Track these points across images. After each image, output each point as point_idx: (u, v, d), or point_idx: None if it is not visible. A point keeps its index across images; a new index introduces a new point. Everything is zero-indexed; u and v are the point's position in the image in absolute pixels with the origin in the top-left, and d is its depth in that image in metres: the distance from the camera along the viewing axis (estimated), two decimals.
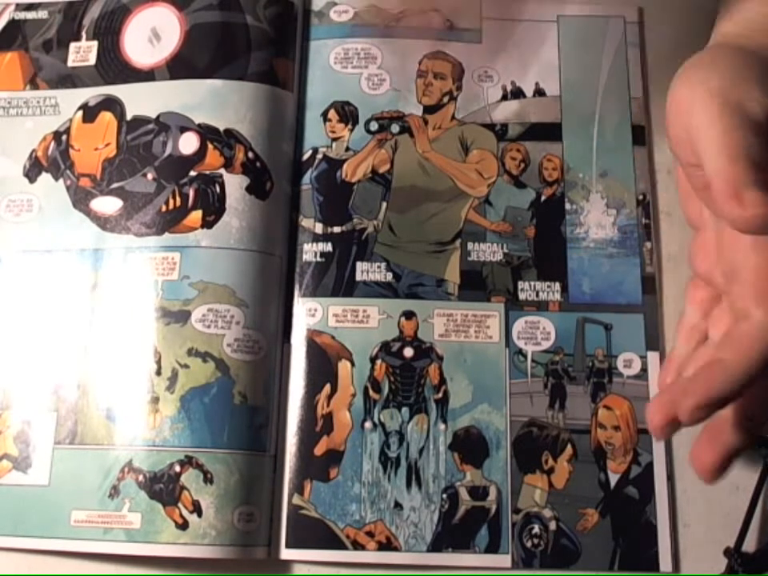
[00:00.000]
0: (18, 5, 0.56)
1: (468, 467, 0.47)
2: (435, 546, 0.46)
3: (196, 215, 0.50)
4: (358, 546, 0.46)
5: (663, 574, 0.45)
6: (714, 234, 0.43)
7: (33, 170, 0.52)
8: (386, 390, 0.48)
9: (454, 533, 0.46)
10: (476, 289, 0.50)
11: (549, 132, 0.53)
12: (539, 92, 0.54)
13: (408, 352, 0.49)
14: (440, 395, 0.48)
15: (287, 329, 0.50)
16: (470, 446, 0.47)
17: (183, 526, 0.45)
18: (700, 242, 0.45)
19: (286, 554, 0.46)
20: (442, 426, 0.48)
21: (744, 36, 0.43)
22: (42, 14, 0.56)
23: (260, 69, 0.52)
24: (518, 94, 0.54)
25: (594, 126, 0.53)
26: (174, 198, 0.50)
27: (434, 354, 0.49)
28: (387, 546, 0.46)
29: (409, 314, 0.50)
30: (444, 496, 0.47)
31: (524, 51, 0.55)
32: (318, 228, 0.51)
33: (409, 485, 0.47)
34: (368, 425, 0.48)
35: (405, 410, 0.48)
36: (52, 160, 0.52)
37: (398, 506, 0.46)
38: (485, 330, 0.49)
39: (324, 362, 0.49)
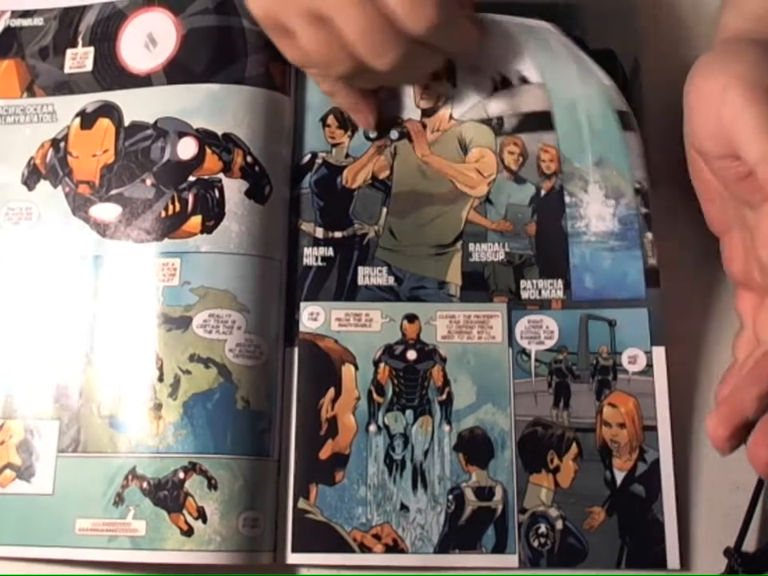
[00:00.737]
0: (13, 12, 0.56)
1: (473, 468, 0.47)
2: (442, 548, 0.46)
3: (195, 220, 0.49)
4: (364, 548, 0.46)
5: (669, 574, 0.45)
6: (740, 234, 0.43)
7: (31, 177, 0.52)
8: (389, 393, 0.48)
9: (460, 534, 0.46)
10: (478, 290, 0.50)
11: (542, 122, 0.52)
12: (523, 80, 0.52)
13: (411, 355, 0.49)
14: (444, 397, 0.48)
15: (288, 333, 0.50)
16: (475, 447, 0.47)
17: (188, 532, 0.45)
18: (727, 245, 0.44)
19: (292, 558, 0.46)
20: (446, 428, 0.48)
21: (756, 32, 0.43)
22: (38, 21, 0.56)
23: (257, 73, 0.52)
24: (505, 84, 0.52)
25: (581, 112, 0.51)
26: (174, 203, 0.50)
27: (437, 356, 0.49)
28: (394, 548, 0.46)
29: (411, 317, 0.49)
30: (450, 497, 0.46)
31: (498, 35, 0.51)
32: (319, 232, 0.51)
33: (414, 487, 0.47)
34: (372, 428, 0.48)
35: (409, 412, 0.48)
36: (50, 167, 0.52)
37: (404, 508, 0.46)
38: (487, 331, 0.49)
39: (327, 365, 0.49)
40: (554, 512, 0.46)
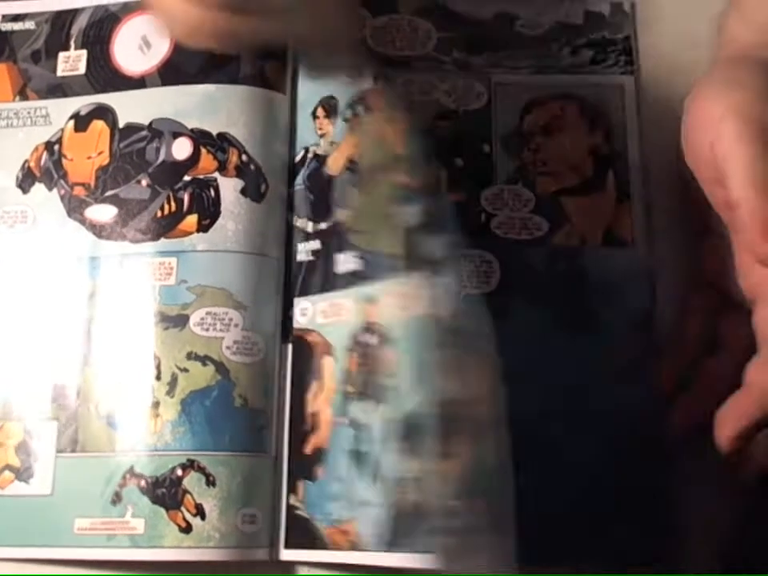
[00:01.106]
0: (4, 16, 0.56)
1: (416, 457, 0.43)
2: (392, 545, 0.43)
3: (191, 219, 0.50)
4: (336, 545, 0.44)
5: (666, 575, 0.44)
6: (720, 241, 0.43)
7: (26, 180, 0.53)
8: (358, 382, 0.46)
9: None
10: (419, 259, 0.45)
11: None
12: None
13: (371, 339, 0.46)
14: (395, 381, 0.44)
15: (284, 330, 0.50)
16: (418, 434, 0.42)
17: (187, 529, 0.45)
18: (705, 247, 0.45)
19: (285, 554, 0.46)
20: (396, 415, 0.43)
21: (761, 45, 0.42)
22: (29, 25, 0.56)
23: (251, 72, 0.52)
24: None
25: None
26: (169, 203, 0.50)
27: (390, 337, 0.45)
28: (357, 545, 0.44)
29: (371, 299, 0.46)
30: (398, 489, 0.43)
31: None
32: (309, 227, 0.50)
33: (375, 480, 0.44)
34: (344, 420, 0.46)
35: (371, 401, 0.45)
36: (45, 170, 0.52)
37: (365, 503, 0.44)
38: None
39: (312, 360, 0.48)
40: None
